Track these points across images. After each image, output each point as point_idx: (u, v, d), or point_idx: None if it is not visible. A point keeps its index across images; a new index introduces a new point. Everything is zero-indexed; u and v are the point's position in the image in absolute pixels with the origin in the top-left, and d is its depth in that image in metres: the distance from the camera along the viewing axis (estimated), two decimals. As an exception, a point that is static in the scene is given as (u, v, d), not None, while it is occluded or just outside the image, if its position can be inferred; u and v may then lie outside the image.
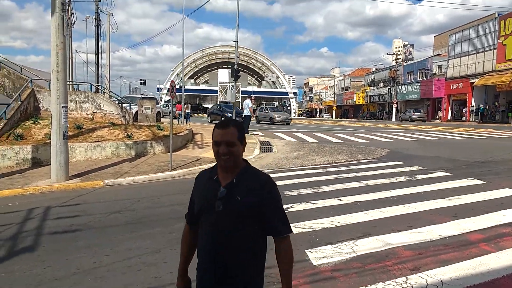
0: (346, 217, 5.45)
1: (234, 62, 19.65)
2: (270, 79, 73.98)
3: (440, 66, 46.04)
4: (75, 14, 10.52)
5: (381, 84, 60.24)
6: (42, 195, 8.09)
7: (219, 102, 45.03)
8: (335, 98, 77.52)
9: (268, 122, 30.53)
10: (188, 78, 74.22)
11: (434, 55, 49.72)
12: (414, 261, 3.95)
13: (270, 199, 1.75)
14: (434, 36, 58.52)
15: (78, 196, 7.73)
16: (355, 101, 68.62)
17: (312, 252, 4.21)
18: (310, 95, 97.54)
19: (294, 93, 76.32)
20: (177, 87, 66.96)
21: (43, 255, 4.52)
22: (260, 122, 31.88)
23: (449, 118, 42.37)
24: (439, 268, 3.75)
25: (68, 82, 18.50)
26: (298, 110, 79.09)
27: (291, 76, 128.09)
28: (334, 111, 75.32)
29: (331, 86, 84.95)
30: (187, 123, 24.88)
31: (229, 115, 23.66)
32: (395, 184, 7.52)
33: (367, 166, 9.88)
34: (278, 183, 7.15)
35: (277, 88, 74.84)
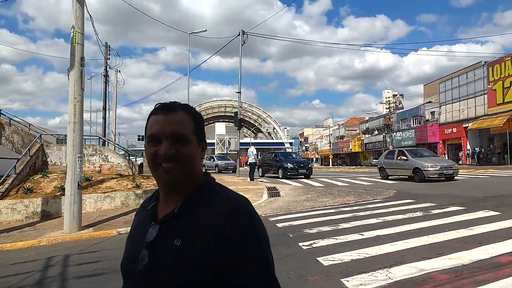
0: (373, 249, 5.46)
1: (232, 115, 20.36)
2: (267, 130, 75.20)
3: (432, 113, 47.28)
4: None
5: (376, 132, 61.37)
6: (57, 245, 8.00)
7: (278, 150, 41.09)
8: (331, 147, 78.41)
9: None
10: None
11: (426, 102, 51.21)
12: (452, 283, 3.97)
13: (245, 247, 0.92)
14: (424, 85, 60.75)
15: (94, 244, 7.66)
16: (351, 149, 69.40)
17: (348, 281, 4.21)
18: (305, 145, 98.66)
19: (291, 143, 77.27)
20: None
21: (75, 297, 4.46)
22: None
23: (446, 162, 42.79)
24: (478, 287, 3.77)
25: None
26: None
27: (285, 128, 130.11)
28: (330, 160, 75.90)
29: (326, 136, 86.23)
30: None
31: (289, 166, 20.63)
32: (412, 219, 7.57)
33: (379, 205, 9.93)
34: (293, 223, 7.22)
35: (273, 139, 75.84)
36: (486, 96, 36.27)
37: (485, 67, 36.85)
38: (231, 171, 28.51)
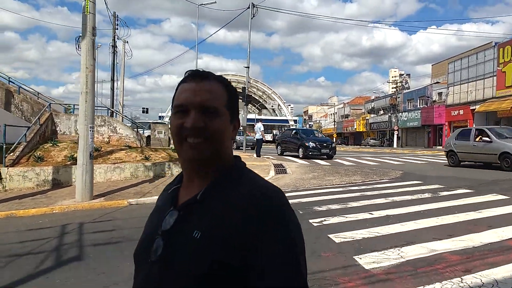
0: (383, 228, 5.55)
1: (241, 88, 20.11)
2: (272, 107, 74.89)
3: (440, 94, 46.83)
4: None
5: (381, 112, 61.01)
6: (69, 213, 8.15)
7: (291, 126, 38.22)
8: (335, 126, 78.21)
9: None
10: (190, 106, 75.17)
11: (434, 83, 50.65)
12: (463, 264, 4.05)
13: (267, 228, 0.82)
14: (432, 65, 59.84)
15: (107, 214, 7.81)
16: (355, 128, 69.22)
17: (360, 258, 4.31)
18: (309, 122, 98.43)
19: (295, 121, 77.05)
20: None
21: (93, 264, 4.59)
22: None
23: (451, 144, 42.72)
24: (490, 269, 3.86)
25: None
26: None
27: (289, 105, 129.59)
28: (334, 138, 75.90)
29: (331, 114, 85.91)
30: None
31: (311, 145, 18.96)
32: (421, 200, 7.66)
33: (386, 185, 10.02)
34: (302, 200, 7.33)
35: (277, 116, 75.64)
36: (495, 78, 35.80)
37: (496, 48, 36.20)
38: (249, 148, 25.66)
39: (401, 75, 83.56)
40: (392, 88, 58.07)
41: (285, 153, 21.64)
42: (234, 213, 0.83)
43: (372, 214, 6.51)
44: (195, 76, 0.93)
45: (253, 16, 22.72)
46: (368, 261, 4.23)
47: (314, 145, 19.15)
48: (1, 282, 4.06)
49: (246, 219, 0.82)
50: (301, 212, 6.85)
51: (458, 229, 5.42)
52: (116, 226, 6.64)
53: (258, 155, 18.82)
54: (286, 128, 26.26)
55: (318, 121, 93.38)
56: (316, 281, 3.68)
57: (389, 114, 54.76)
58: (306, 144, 19.18)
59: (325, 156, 19.30)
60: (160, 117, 73.00)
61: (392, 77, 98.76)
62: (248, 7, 22.74)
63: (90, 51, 9.17)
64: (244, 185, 0.88)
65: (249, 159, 17.48)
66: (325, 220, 6.14)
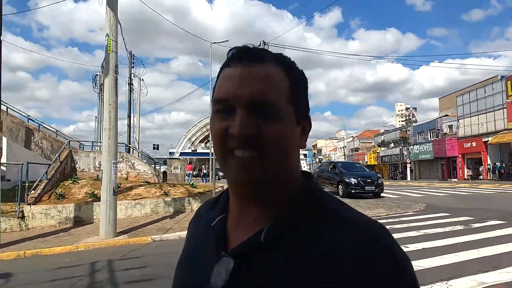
0: (424, 261, 5.40)
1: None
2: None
3: (450, 126, 46.80)
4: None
5: (392, 145, 60.86)
6: (94, 250, 8.07)
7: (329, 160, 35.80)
8: (346, 159, 77.93)
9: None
10: (199, 142, 75.84)
11: (443, 116, 50.76)
12: (520, 297, 3.91)
13: None
14: (439, 98, 60.32)
15: (133, 250, 7.71)
16: (366, 161, 68.87)
17: (409, 292, 4.16)
18: (319, 156, 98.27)
19: (305, 155, 77.07)
20: (189, 150, 68.00)
21: (131, 301, 4.50)
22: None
23: (465, 177, 42.17)
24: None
25: (100, 143, 19.07)
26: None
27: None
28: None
29: (340, 148, 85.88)
30: (204, 182, 25.28)
31: (353, 181, 16.08)
32: (454, 232, 7.49)
33: (413, 218, 9.85)
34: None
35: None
36: (505, 110, 35.84)
37: (503, 81, 36.51)
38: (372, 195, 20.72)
39: (407, 108, 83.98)
40: (400, 121, 58.25)
41: None
42: (328, 266, 0.54)
43: (407, 247, 6.35)
44: (243, 57, 0.63)
45: (265, 54, 23.29)
46: (417, 295, 4.08)
47: (356, 181, 16.15)
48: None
49: (353, 277, 0.52)
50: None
51: (502, 260, 5.26)
52: (146, 262, 6.54)
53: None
54: (324, 162, 22.58)
55: (327, 155, 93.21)
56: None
57: (400, 147, 54.58)
58: (347, 180, 16.28)
59: (371, 195, 16.19)
60: (170, 153, 73.60)
61: (399, 110, 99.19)
62: (260, 45, 23.38)
63: (113, 88, 9.38)
64: (333, 225, 0.58)
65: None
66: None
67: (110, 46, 9.49)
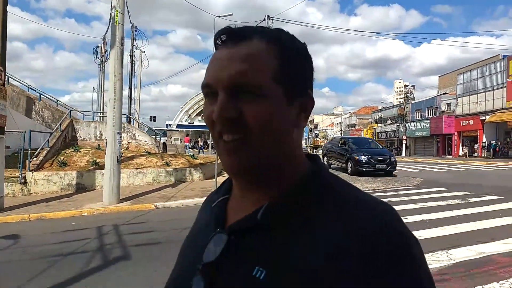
0: (424, 231, 5.58)
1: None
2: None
3: (448, 104, 46.85)
4: (108, 51, 11.31)
5: (389, 121, 61.02)
6: (98, 216, 8.21)
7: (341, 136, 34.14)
8: (342, 135, 78.25)
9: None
10: (196, 115, 75.65)
11: (442, 94, 50.74)
12: (517, 265, 4.07)
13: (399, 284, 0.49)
14: (439, 76, 60.09)
15: (138, 216, 7.86)
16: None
17: (410, 259, 4.33)
18: (315, 131, 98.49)
19: (301, 130, 77.09)
20: (186, 123, 67.92)
21: (142, 262, 4.64)
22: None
23: (460, 154, 42.62)
24: (545, 271, 3.87)
25: (101, 113, 19.02)
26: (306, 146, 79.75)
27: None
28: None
29: (337, 124, 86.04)
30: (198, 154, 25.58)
31: (363, 158, 14.92)
32: (452, 206, 7.67)
33: (411, 191, 10.04)
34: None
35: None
36: (505, 89, 35.85)
37: (505, 60, 36.36)
38: (383, 173, 18.90)
39: (405, 86, 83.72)
40: (398, 98, 58.22)
41: (332, 167, 17.58)
42: (330, 251, 0.50)
43: (407, 218, 6.52)
44: (228, 38, 0.60)
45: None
46: (418, 262, 4.25)
47: (367, 159, 14.90)
48: (52, 281, 4.10)
49: (357, 263, 0.49)
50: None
51: (500, 232, 5.44)
52: (151, 228, 6.70)
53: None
54: (335, 136, 20.79)
55: (324, 130, 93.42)
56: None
57: (397, 124, 54.76)
58: (356, 157, 15.07)
59: (382, 173, 14.94)
60: (167, 125, 73.47)
61: (397, 87, 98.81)
62: (264, 19, 23.00)
63: (119, 60, 9.34)
64: (334, 202, 0.56)
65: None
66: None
67: (116, 18, 9.38)
